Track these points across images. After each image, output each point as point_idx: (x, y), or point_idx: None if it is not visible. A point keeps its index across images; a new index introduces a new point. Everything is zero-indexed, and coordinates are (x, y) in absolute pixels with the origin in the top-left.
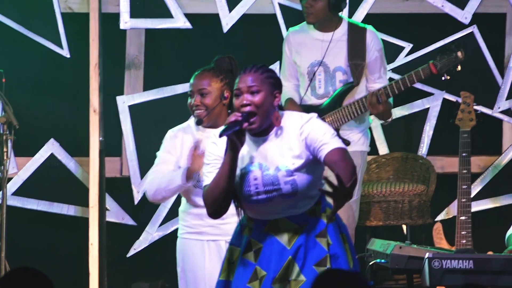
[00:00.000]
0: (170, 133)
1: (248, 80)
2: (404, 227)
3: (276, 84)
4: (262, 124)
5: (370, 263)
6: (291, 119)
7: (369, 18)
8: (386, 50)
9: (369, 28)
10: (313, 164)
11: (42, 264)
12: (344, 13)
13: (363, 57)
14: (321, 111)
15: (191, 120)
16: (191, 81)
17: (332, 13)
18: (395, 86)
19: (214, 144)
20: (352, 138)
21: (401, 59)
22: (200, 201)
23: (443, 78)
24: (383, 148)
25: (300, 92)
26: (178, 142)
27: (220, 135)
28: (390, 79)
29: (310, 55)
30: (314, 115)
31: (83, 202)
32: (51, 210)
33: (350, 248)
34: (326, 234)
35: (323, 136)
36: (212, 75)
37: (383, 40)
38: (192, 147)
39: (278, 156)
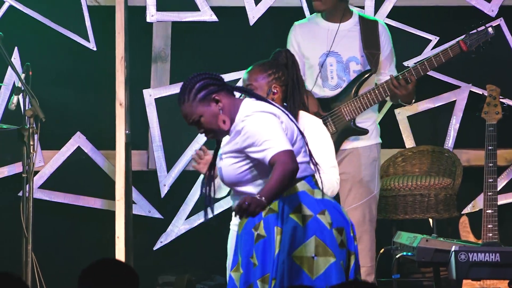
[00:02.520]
0: None
1: (184, 115)
2: (431, 220)
3: (206, 93)
4: (218, 134)
5: (397, 256)
6: (240, 111)
7: (396, 11)
8: (413, 43)
9: (380, 21)
10: (243, 157)
11: (68, 257)
12: (371, 6)
13: (378, 46)
14: (336, 102)
15: None
16: (244, 75)
17: (340, 2)
18: (419, 68)
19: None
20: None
21: (428, 52)
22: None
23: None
24: (409, 142)
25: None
26: None
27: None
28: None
29: (319, 45)
30: (257, 110)
31: (110, 195)
32: (77, 203)
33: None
34: (259, 227)
35: (259, 138)
36: (261, 70)
37: (410, 33)
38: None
39: (224, 145)
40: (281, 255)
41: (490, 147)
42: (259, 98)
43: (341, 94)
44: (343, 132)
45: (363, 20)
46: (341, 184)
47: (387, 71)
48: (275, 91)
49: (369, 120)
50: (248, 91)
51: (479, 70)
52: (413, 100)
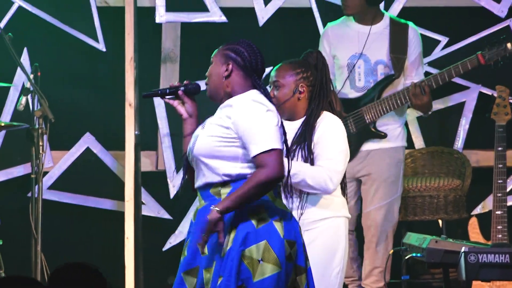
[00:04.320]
0: None
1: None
2: (440, 221)
3: (229, 57)
4: (211, 93)
5: (406, 257)
6: (243, 94)
7: (405, 12)
8: (423, 44)
9: (411, 24)
10: (224, 135)
11: (77, 258)
12: (381, 7)
13: (405, 51)
14: (360, 104)
15: None
16: (271, 73)
17: (370, 5)
18: (439, 77)
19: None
20: (393, 133)
21: (437, 53)
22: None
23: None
24: (418, 143)
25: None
26: None
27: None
28: (427, 74)
29: (350, 47)
30: (259, 102)
31: (119, 196)
32: (86, 204)
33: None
34: None
35: (252, 127)
36: (289, 68)
37: (421, 34)
38: None
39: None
40: (231, 252)
41: (499, 148)
42: (268, 98)
43: (364, 96)
44: (363, 134)
45: (393, 23)
46: (367, 184)
47: (413, 74)
48: (302, 90)
49: (396, 122)
50: (266, 92)
51: (488, 71)
52: (430, 111)
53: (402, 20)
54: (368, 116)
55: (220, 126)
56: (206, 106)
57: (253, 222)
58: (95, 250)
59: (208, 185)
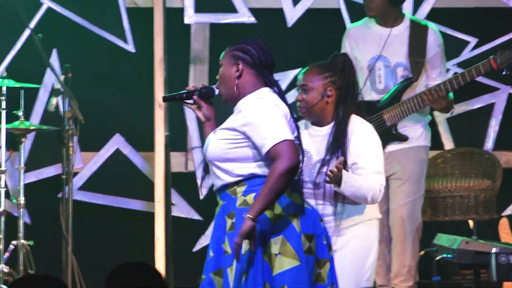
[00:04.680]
0: None
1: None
2: (471, 222)
3: (238, 56)
4: (226, 96)
5: (437, 258)
6: (253, 93)
7: (434, 13)
8: (451, 45)
9: (431, 26)
10: (235, 135)
11: (107, 259)
12: (409, 8)
13: (424, 54)
14: (380, 107)
15: None
16: (299, 76)
17: (392, 7)
18: (454, 82)
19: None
20: (414, 133)
21: (466, 54)
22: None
23: (503, 72)
24: (448, 144)
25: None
26: None
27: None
28: (455, 74)
29: (370, 49)
30: (267, 99)
31: (149, 196)
32: (116, 204)
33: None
34: (234, 216)
35: (260, 123)
36: (317, 72)
37: (448, 35)
38: None
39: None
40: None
41: None
42: (282, 96)
43: (384, 99)
44: (384, 137)
45: (413, 25)
46: (391, 184)
47: (435, 76)
48: (330, 94)
49: (417, 123)
50: (280, 90)
51: None
52: (451, 111)
53: (423, 22)
54: (388, 120)
55: (228, 129)
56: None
57: (269, 217)
58: (125, 251)
59: (224, 187)
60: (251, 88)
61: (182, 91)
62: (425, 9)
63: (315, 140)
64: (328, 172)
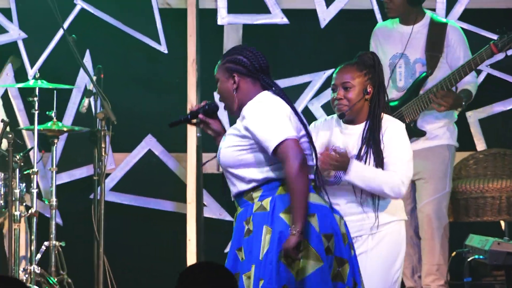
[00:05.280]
0: (311, 125)
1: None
2: (502, 223)
3: (232, 68)
4: (230, 109)
5: (469, 259)
6: (254, 99)
7: (467, 14)
8: (484, 46)
9: (451, 23)
10: (244, 141)
11: (139, 260)
12: (442, 9)
13: (440, 49)
14: (400, 103)
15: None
16: (334, 75)
17: (412, 6)
18: (462, 71)
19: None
20: (436, 132)
21: (500, 55)
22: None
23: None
24: (480, 145)
25: None
26: (314, 135)
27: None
28: (489, 75)
29: (392, 47)
30: (268, 102)
31: (181, 198)
32: (148, 206)
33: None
34: (250, 222)
35: (262, 125)
36: (356, 70)
37: (481, 36)
38: (323, 147)
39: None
40: (269, 255)
41: None
42: (283, 96)
43: (403, 96)
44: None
45: (432, 22)
46: (417, 183)
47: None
48: (369, 90)
49: (439, 122)
50: (280, 90)
51: None
52: (462, 104)
53: (443, 20)
54: (407, 116)
55: (236, 136)
56: None
57: (286, 220)
58: (157, 252)
59: (240, 193)
60: (252, 95)
61: (186, 114)
62: (458, 9)
63: (350, 138)
64: (319, 155)
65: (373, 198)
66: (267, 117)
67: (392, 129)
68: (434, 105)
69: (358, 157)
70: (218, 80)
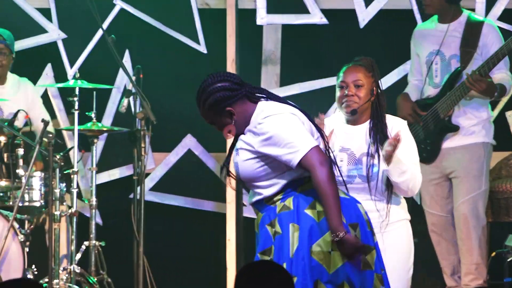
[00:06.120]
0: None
1: (202, 116)
2: None
3: (220, 107)
4: (237, 132)
5: (509, 259)
6: (256, 112)
7: (507, 14)
8: None
9: (487, 21)
10: (261, 155)
11: (179, 260)
12: (482, 9)
13: (475, 45)
14: (435, 100)
15: (337, 115)
16: (342, 73)
17: (449, 3)
18: (495, 59)
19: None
20: (471, 130)
21: None
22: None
23: None
24: None
25: (421, 87)
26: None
27: None
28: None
29: (428, 45)
30: (275, 112)
31: (220, 197)
32: (188, 205)
33: (305, 242)
34: (275, 224)
35: (282, 141)
36: (366, 70)
37: None
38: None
39: (239, 141)
40: (300, 252)
41: None
42: (277, 99)
43: (438, 92)
44: (440, 130)
45: (469, 21)
46: (454, 181)
47: (494, 68)
48: (375, 92)
49: (472, 119)
50: (269, 93)
51: None
52: (494, 93)
53: (480, 19)
54: (441, 112)
55: (250, 152)
56: None
57: (313, 216)
58: (197, 252)
59: (261, 200)
60: (249, 112)
61: None
62: (497, 9)
63: (352, 137)
64: (391, 141)
65: (387, 197)
66: (284, 133)
67: (398, 128)
68: (470, 86)
69: (368, 155)
70: (214, 124)
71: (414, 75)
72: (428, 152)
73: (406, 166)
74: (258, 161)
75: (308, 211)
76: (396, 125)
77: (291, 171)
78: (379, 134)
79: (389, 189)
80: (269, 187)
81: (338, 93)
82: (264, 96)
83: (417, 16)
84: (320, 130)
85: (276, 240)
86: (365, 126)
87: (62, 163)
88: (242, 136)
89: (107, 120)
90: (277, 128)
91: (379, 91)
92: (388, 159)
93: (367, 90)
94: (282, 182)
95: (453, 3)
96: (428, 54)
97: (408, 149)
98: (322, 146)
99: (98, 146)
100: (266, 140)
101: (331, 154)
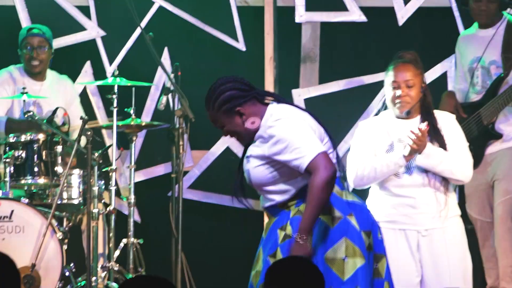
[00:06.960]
0: (363, 126)
1: (209, 119)
2: None
3: (230, 107)
4: (242, 139)
5: None
6: (266, 116)
7: None
8: None
9: None
10: (269, 160)
11: (217, 258)
12: None
13: None
14: (478, 106)
15: (386, 112)
16: (392, 72)
17: (501, 10)
18: None
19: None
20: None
21: None
22: (396, 190)
23: None
24: None
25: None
26: (369, 134)
27: None
28: None
29: (471, 52)
30: (283, 116)
31: (258, 195)
32: (226, 203)
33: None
34: (287, 227)
35: (290, 145)
36: (415, 68)
37: None
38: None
39: (250, 148)
40: (313, 258)
41: None
42: (286, 102)
43: (481, 99)
44: (483, 136)
45: (509, 24)
46: (495, 185)
47: None
48: (424, 88)
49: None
50: (279, 97)
51: None
52: None
53: None
54: (485, 118)
55: (261, 159)
56: None
57: (328, 223)
58: (235, 250)
59: (274, 205)
60: (259, 115)
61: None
62: None
63: (407, 131)
64: (420, 128)
65: (445, 191)
66: (292, 137)
67: (446, 120)
68: None
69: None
70: (223, 126)
71: (459, 82)
72: (472, 157)
73: (444, 156)
74: (269, 167)
75: (323, 217)
76: (445, 119)
77: (304, 176)
78: (433, 128)
79: (445, 179)
80: (282, 193)
81: (390, 93)
82: (273, 99)
83: (456, 13)
84: (329, 134)
85: (285, 243)
86: (417, 121)
87: (101, 161)
88: (252, 144)
89: (146, 118)
90: (286, 132)
91: (423, 85)
92: (411, 155)
93: (418, 89)
94: (296, 188)
95: (505, 9)
96: (470, 61)
97: (454, 138)
98: (330, 150)
99: (137, 144)
100: (275, 144)
101: (338, 157)
